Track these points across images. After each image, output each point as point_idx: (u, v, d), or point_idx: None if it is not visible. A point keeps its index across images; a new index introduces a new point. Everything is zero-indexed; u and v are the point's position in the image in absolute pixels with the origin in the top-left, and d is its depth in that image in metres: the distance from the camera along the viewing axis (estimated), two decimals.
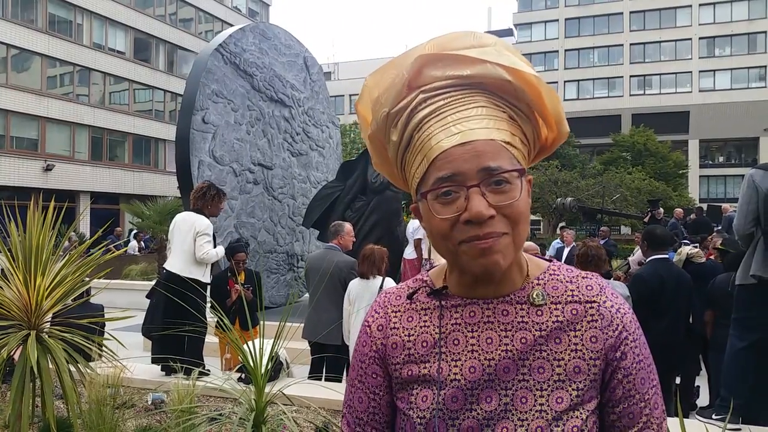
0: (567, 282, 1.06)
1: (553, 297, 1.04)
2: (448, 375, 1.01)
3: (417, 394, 1.03)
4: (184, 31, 39.31)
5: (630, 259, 9.83)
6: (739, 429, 4.20)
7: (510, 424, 0.97)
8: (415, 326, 1.08)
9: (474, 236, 0.94)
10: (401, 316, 1.10)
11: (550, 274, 1.07)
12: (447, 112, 0.98)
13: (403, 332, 1.08)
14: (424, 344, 1.05)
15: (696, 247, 6.98)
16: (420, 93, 1.00)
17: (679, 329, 5.23)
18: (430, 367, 1.03)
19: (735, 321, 4.52)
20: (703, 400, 6.02)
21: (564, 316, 1.02)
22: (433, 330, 1.06)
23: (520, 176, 0.97)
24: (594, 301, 1.03)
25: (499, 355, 1.00)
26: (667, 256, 5.25)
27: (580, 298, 1.03)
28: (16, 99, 28.74)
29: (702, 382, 6.21)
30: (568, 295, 1.04)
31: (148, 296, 5.90)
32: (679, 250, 6.45)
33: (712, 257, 6.78)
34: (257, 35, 10.64)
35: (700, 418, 4.57)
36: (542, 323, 1.01)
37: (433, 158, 0.97)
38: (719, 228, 13.07)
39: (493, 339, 1.01)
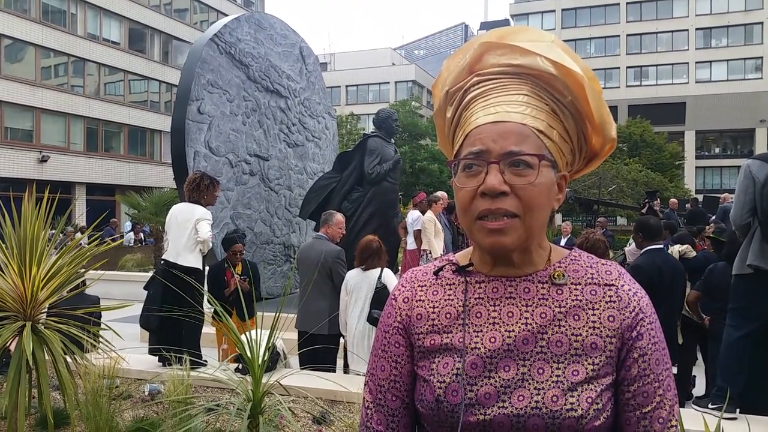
0: (587, 267, 1.11)
1: (573, 278, 1.09)
2: (469, 344, 1.07)
3: (438, 361, 1.08)
4: (179, 21, 39.08)
5: (626, 249, 9.82)
6: (736, 418, 4.21)
7: (526, 392, 1.01)
8: (440, 299, 1.14)
9: (486, 210, 1.01)
10: (427, 290, 1.16)
11: (572, 259, 1.12)
12: (492, 95, 1.07)
13: (428, 304, 1.14)
14: (448, 316, 1.11)
15: (689, 239, 6.97)
16: (475, 76, 1.10)
17: (674, 319, 5.25)
18: (453, 337, 1.09)
19: (732, 311, 4.53)
20: (700, 389, 6.05)
21: (583, 296, 1.07)
22: (457, 303, 1.11)
23: (540, 162, 1.02)
24: (613, 285, 1.08)
25: (519, 327, 1.05)
26: (661, 246, 5.25)
27: (599, 281, 1.08)
28: (10, 90, 28.56)
29: (698, 371, 6.23)
30: (588, 278, 1.09)
31: (145, 287, 5.88)
32: (669, 250, 6.44)
33: (705, 248, 6.79)
34: (252, 25, 10.58)
35: (697, 408, 4.59)
36: (562, 300, 1.06)
37: (468, 132, 1.06)
38: (714, 218, 13.09)
39: (514, 313, 1.07)
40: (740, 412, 4.29)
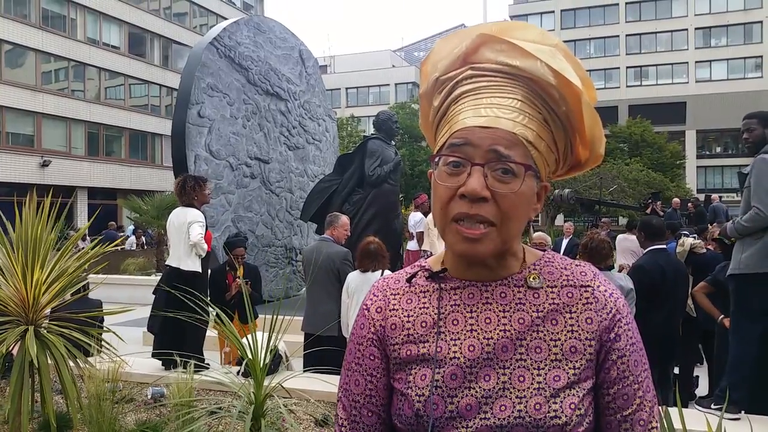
0: (562, 268, 1.08)
1: (549, 281, 1.06)
2: (448, 354, 1.03)
3: (416, 373, 1.04)
4: (179, 25, 39.16)
5: (617, 239, 9.79)
6: (738, 418, 4.20)
7: (508, 401, 0.98)
8: (414, 308, 1.09)
9: (463, 213, 0.97)
10: (400, 298, 1.11)
11: (546, 261, 1.09)
12: (484, 94, 1.02)
13: (402, 313, 1.09)
14: (423, 324, 1.07)
15: (696, 238, 6.96)
16: (469, 69, 1.04)
17: (677, 319, 5.21)
18: (429, 346, 1.04)
19: (743, 312, 4.37)
20: (702, 389, 6.04)
21: (560, 299, 1.04)
22: (432, 311, 1.07)
23: (526, 172, 0.99)
24: (588, 286, 1.05)
25: (498, 334, 1.02)
26: (664, 246, 5.21)
27: (575, 283, 1.06)
28: (10, 95, 28.61)
29: (701, 372, 6.23)
30: (564, 280, 1.06)
31: (154, 293, 5.90)
32: (680, 241, 6.40)
33: (710, 247, 6.77)
34: (252, 28, 10.60)
35: (699, 408, 4.58)
36: (539, 305, 1.04)
37: (455, 131, 1.01)
38: (720, 219, 13.11)
39: (492, 319, 1.03)
40: (745, 413, 4.27)
